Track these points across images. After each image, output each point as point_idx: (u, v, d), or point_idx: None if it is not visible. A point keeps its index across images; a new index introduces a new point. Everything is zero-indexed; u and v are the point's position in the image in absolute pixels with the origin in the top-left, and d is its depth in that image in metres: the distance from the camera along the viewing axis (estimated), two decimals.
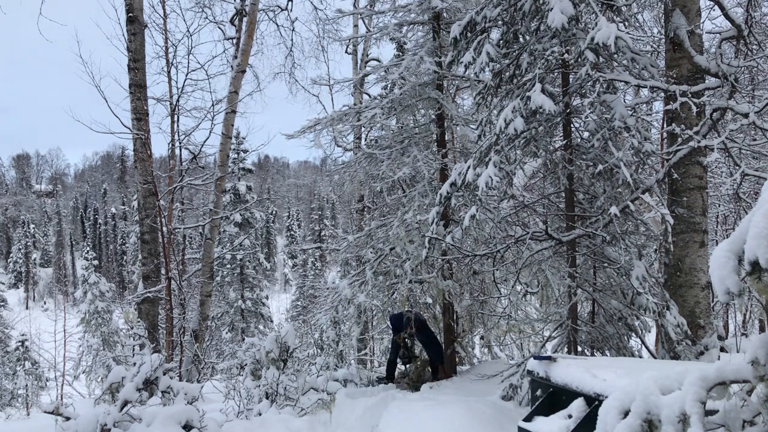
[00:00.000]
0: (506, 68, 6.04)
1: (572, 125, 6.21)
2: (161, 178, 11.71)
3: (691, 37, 6.23)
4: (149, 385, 5.53)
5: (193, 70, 11.46)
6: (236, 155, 21.57)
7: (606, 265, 6.34)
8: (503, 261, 7.10)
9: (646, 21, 11.11)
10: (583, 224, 6.13)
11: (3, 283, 53.66)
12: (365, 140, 10.50)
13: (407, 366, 8.49)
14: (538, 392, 4.34)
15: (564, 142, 6.09)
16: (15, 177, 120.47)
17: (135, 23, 9.87)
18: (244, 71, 11.61)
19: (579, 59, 5.49)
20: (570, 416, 3.76)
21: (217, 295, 21.26)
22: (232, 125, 11.64)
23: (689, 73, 6.26)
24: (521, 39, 6.07)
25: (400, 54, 11.58)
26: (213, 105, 11.48)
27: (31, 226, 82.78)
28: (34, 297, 74.78)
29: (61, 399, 14.30)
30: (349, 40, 14.41)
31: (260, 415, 6.12)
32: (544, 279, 7.01)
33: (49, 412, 5.44)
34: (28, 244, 79.22)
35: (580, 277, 6.23)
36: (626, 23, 6.44)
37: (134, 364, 5.67)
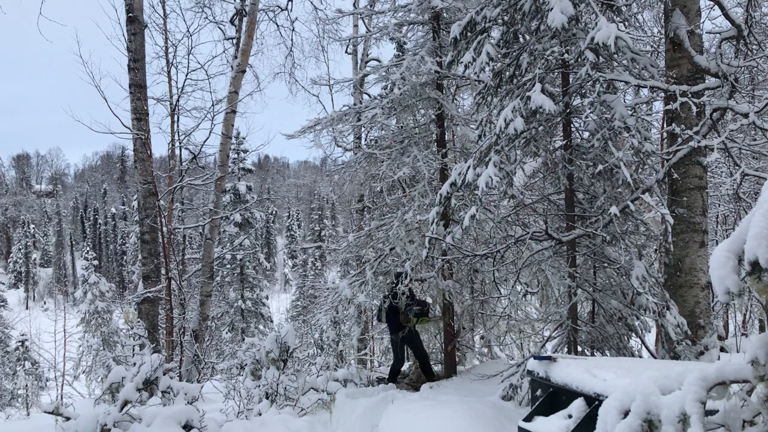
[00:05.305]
0: (506, 68, 6.03)
1: (572, 125, 6.21)
2: (161, 178, 11.70)
3: (691, 37, 6.23)
4: (149, 385, 5.52)
5: (193, 70, 11.46)
6: (236, 155, 21.59)
7: (606, 265, 6.33)
8: (503, 261, 7.09)
9: (646, 21, 11.11)
10: (583, 224, 6.12)
11: (3, 283, 53.64)
12: (365, 140, 10.49)
13: (412, 316, 8.16)
14: (538, 392, 4.34)
15: (564, 142, 6.09)
16: (15, 177, 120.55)
17: (135, 23, 9.87)
18: (244, 71, 11.61)
19: (579, 59, 5.49)
20: (570, 416, 3.76)
21: (217, 295, 21.26)
22: (232, 125, 11.64)
23: (689, 73, 6.25)
24: (521, 39, 6.06)
25: (400, 54, 11.57)
26: (213, 105, 11.48)
27: (31, 226, 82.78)
28: (34, 297, 74.78)
29: (61, 399, 14.31)
30: (349, 40, 14.40)
31: (260, 415, 6.11)
32: (544, 279, 7.02)
33: (49, 412, 5.44)
34: (28, 244, 79.22)
35: (580, 277, 6.23)
36: (626, 23, 6.45)
37: (134, 364, 5.66)
